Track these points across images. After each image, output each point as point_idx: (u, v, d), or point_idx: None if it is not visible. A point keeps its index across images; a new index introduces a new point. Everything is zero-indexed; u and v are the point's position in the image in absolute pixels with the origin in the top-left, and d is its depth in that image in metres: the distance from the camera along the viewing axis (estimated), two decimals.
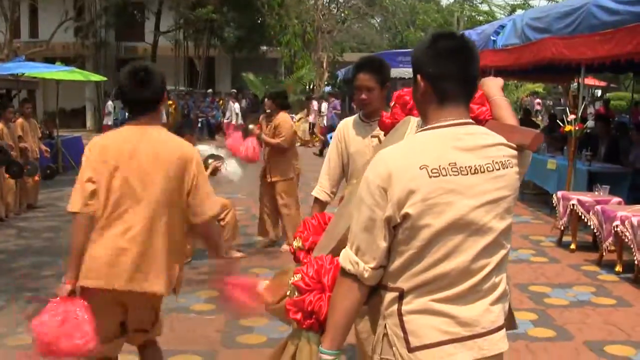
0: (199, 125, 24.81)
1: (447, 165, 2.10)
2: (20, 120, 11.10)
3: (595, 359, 4.99)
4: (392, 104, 3.91)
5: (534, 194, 12.18)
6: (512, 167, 2.20)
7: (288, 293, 2.84)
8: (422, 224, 2.08)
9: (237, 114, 24.83)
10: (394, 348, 2.16)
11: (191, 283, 6.76)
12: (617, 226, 7.09)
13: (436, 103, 2.22)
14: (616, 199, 8.08)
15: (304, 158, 12.64)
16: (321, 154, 20.05)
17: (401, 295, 2.15)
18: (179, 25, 27.99)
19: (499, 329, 2.19)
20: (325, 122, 23.49)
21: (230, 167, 7.67)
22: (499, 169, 2.16)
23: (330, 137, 21.42)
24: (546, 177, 11.39)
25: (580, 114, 9.97)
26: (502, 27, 13.50)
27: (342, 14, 34.26)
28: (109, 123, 22.38)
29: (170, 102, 27.27)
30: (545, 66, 11.37)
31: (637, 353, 5.08)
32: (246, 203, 10.81)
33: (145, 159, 3.37)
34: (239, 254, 7.75)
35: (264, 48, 32.13)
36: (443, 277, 2.11)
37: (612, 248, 7.40)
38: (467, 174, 2.11)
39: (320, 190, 4.28)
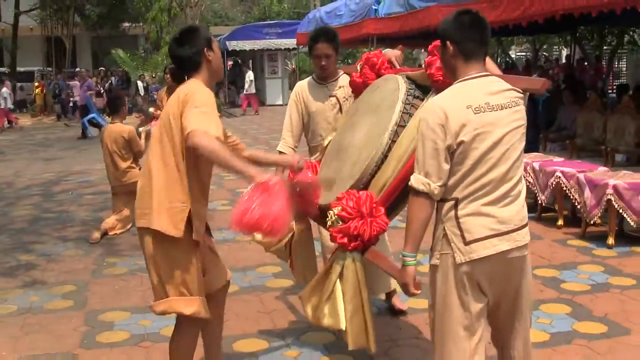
0: (70, 105, 24.25)
1: (484, 104, 2.89)
2: None
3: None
4: (358, 65, 4.59)
5: None
6: (521, 104, 2.99)
7: (329, 224, 3.43)
8: (472, 147, 2.85)
9: (5, 99, 22.18)
10: (452, 244, 2.89)
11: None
12: None
13: (463, 61, 2.98)
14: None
15: None
16: (84, 136, 18.18)
17: (456, 204, 2.90)
18: (42, 3, 27.08)
19: (525, 225, 2.97)
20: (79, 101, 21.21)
21: None
22: (515, 106, 2.95)
23: (87, 121, 20.85)
24: None
25: None
26: None
27: None
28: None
29: (36, 84, 26.53)
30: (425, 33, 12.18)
31: (560, 273, 5.93)
32: None
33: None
34: None
35: (127, 24, 31.62)
36: (486, 186, 2.88)
37: None
38: (497, 110, 2.90)
39: (285, 145, 4.84)
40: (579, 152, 9.30)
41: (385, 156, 3.63)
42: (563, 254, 6.54)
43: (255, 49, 29.13)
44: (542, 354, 4.31)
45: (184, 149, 3.31)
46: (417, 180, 2.88)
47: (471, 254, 2.87)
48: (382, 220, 3.43)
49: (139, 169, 7.79)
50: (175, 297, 3.39)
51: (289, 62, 32.36)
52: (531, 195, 8.09)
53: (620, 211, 6.59)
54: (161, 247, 3.37)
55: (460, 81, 2.97)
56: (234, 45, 28.85)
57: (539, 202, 7.72)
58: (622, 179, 6.74)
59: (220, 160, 3.12)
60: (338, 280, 3.45)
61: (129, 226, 7.77)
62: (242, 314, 5.11)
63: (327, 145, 4.52)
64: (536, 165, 7.73)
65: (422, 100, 3.87)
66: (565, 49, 32.29)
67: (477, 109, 2.86)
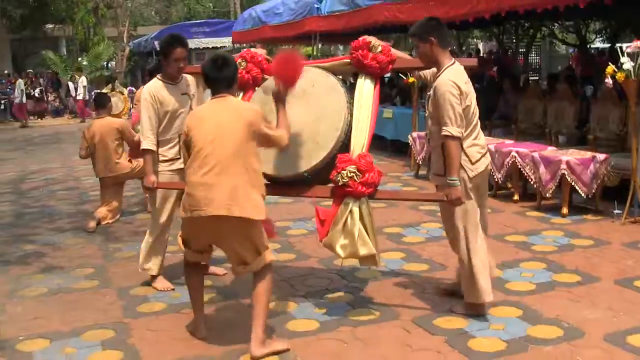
0: (2, 107, 24.05)
1: (466, 78, 4.61)
2: None
3: (502, 246, 6.57)
4: (239, 61, 5.43)
5: None
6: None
7: (343, 182, 4.69)
8: (472, 105, 4.57)
9: None
10: (464, 166, 4.55)
11: (139, 233, 7.55)
12: None
13: (442, 51, 4.64)
14: None
15: None
16: None
17: (461, 141, 4.49)
18: None
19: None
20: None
21: None
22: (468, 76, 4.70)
23: None
24: (383, 125, 12.95)
25: None
26: None
27: None
28: None
29: None
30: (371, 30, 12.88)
31: (528, 238, 6.78)
32: None
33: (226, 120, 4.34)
34: None
35: (50, 26, 31.31)
36: (474, 127, 4.61)
37: None
38: (469, 82, 4.60)
39: (151, 143, 5.49)
40: (523, 136, 10.21)
41: (348, 126, 4.92)
42: (525, 223, 7.39)
43: None
44: (532, 299, 5.11)
45: (255, 149, 4.38)
46: (455, 131, 4.43)
47: (479, 168, 4.63)
48: (379, 170, 4.81)
49: (129, 161, 8.26)
50: (265, 252, 4.41)
51: None
52: None
53: (573, 184, 7.48)
54: (246, 228, 4.30)
55: (450, 65, 4.60)
56: None
57: (495, 180, 8.55)
58: (572, 155, 7.64)
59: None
60: (359, 220, 4.65)
61: (118, 216, 8.24)
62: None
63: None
64: (491, 148, 8.53)
65: (345, 85, 5.17)
66: (482, 43, 33.91)
67: (467, 82, 4.58)
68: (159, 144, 5.54)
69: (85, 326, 4.98)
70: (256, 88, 5.47)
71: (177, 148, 5.54)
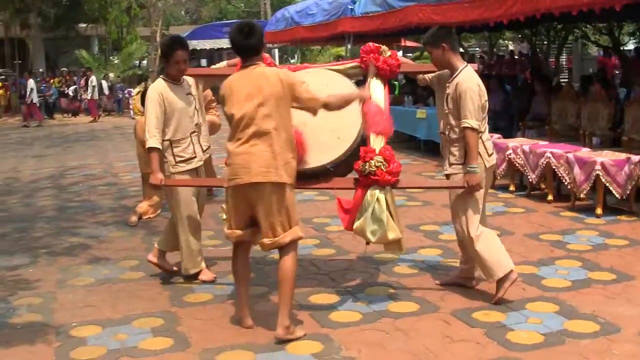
0: (38, 105, 24.44)
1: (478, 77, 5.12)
2: None
3: (537, 244, 6.70)
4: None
5: (402, 142, 13.80)
6: None
7: (369, 171, 4.99)
8: (486, 101, 5.06)
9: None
10: (482, 156, 5.02)
11: None
12: (509, 154, 8.90)
13: (454, 54, 5.11)
14: (496, 135, 9.88)
15: None
16: None
17: (479, 134, 4.96)
18: (2, 5, 27.11)
19: None
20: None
21: None
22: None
23: None
24: (416, 126, 13.12)
25: None
26: None
27: None
28: None
29: None
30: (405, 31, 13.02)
31: (563, 237, 6.89)
32: None
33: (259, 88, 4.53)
34: None
35: (83, 25, 31.77)
36: (486, 124, 5.06)
37: (503, 174, 9.23)
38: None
39: (157, 141, 5.57)
40: (556, 137, 10.29)
41: None
42: (559, 223, 7.49)
43: (215, 48, 29.76)
44: (568, 295, 5.24)
45: (289, 117, 4.63)
46: (474, 123, 4.90)
47: (492, 161, 5.17)
48: (399, 162, 5.15)
49: None
50: (296, 227, 4.61)
51: None
52: (520, 176, 9.08)
53: (607, 185, 7.56)
54: (282, 194, 4.53)
55: (464, 67, 5.05)
56: (194, 44, 29.42)
57: (530, 180, 8.66)
58: (606, 156, 7.72)
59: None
60: (386, 208, 4.97)
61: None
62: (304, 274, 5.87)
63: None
64: (526, 148, 8.65)
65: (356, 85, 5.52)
66: (513, 44, 33.86)
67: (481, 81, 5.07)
68: (173, 145, 5.66)
69: (135, 314, 5.19)
70: None
71: (192, 147, 5.71)
